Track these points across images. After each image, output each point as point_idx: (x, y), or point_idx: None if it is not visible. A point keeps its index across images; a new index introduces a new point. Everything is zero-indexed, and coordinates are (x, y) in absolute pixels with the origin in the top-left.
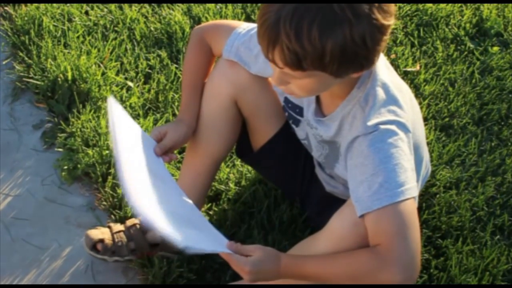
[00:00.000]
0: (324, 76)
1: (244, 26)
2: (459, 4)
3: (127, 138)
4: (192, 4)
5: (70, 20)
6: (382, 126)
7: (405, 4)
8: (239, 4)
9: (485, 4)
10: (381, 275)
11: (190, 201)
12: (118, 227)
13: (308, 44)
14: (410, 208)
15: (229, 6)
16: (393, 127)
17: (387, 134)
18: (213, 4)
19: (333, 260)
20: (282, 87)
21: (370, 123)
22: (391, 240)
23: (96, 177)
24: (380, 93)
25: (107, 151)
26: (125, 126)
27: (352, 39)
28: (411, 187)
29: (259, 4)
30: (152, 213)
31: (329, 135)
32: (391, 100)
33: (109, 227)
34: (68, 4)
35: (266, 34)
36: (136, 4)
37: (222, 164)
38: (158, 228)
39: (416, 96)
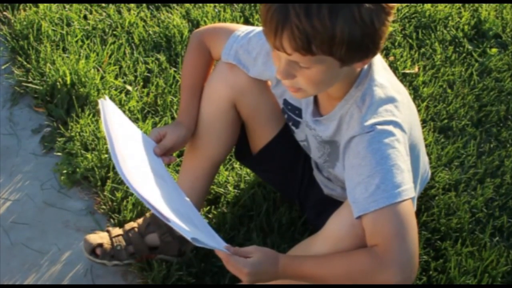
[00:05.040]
0: (332, 64)
1: (243, 29)
2: (457, 6)
3: (124, 135)
4: (190, 7)
5: (68, 25)
6: (379, 127)
7: (403, 6)
8: (237, 7)
9: (483, 6)
10: (379, 276)
11: (190, 202)
12: (116, 231)
13: (318, 23)
14: (407, 209)
15: (228, 9)
16: (390, 127)
17: (384, 135)
18: (211, 8)
19: (331, 261)
20: (287, 84)
21: (367, 123)
22: (389, 241)
23: (95, 181)
24: (377, 92)
25: (106, 155)
26: (122, 125)
27: (361, 18)
28: (408, 188)
29: (257, 7)
30: (160, 204)
31: (328, 135)
32: (388, 99)
33: (108, 231)
34: (66, 9)
35: (275, 16)
36: (134, 8)
37: (221, 167)
38: (167, 217)
39: (415, 98)
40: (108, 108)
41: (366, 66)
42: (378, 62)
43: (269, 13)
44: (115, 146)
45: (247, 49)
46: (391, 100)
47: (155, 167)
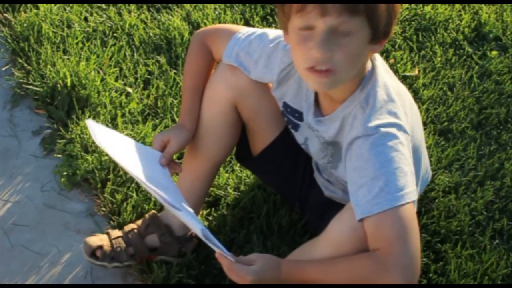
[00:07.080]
0: (364, 36)
1: (244, 31)
2: (458, 9)
3: (120, 152)
4: (191, 9)
5: (69, 27)
6: (383, 129)
7: (403, 8)
8: (238, 9)
9: (484, 8)
10: (381, 280)
11: (193, 213)
12: (116, 233)
13: None
14: (410, 212)
15: (228, 11)
16: (393, 130)
17: (387, 137)
18: (212, 10)
19: (333, 266)
20: (322, 63)
21: (370, 124)
22: (391, 244)
23: (95, 183)
24: (381, 94)
25: (106, 157)
26: (115, 145)
27: None
28: (411, 191)
29: (257, 9)
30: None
31: (330, 135)
32: (391, 101)
33: (108, 233)
34: (67, 11)
35: None
36: (135, 10)
37: (221, 169)
38: (178, 207)
39: (415, 100)
40: (97, 130)
41: (370, 69)
42: (381, 65)
43: None
44: (115, 157)
45: (248, 52)
46: (394, 102)
47: (158, 180)
